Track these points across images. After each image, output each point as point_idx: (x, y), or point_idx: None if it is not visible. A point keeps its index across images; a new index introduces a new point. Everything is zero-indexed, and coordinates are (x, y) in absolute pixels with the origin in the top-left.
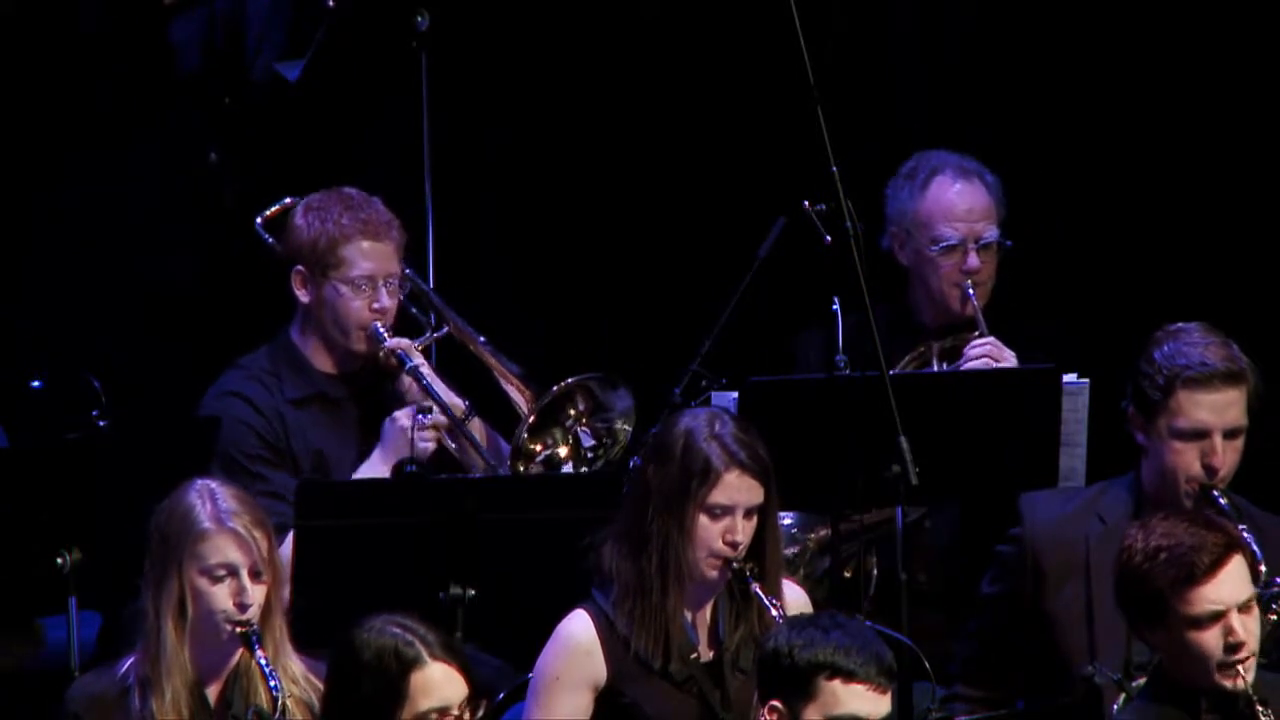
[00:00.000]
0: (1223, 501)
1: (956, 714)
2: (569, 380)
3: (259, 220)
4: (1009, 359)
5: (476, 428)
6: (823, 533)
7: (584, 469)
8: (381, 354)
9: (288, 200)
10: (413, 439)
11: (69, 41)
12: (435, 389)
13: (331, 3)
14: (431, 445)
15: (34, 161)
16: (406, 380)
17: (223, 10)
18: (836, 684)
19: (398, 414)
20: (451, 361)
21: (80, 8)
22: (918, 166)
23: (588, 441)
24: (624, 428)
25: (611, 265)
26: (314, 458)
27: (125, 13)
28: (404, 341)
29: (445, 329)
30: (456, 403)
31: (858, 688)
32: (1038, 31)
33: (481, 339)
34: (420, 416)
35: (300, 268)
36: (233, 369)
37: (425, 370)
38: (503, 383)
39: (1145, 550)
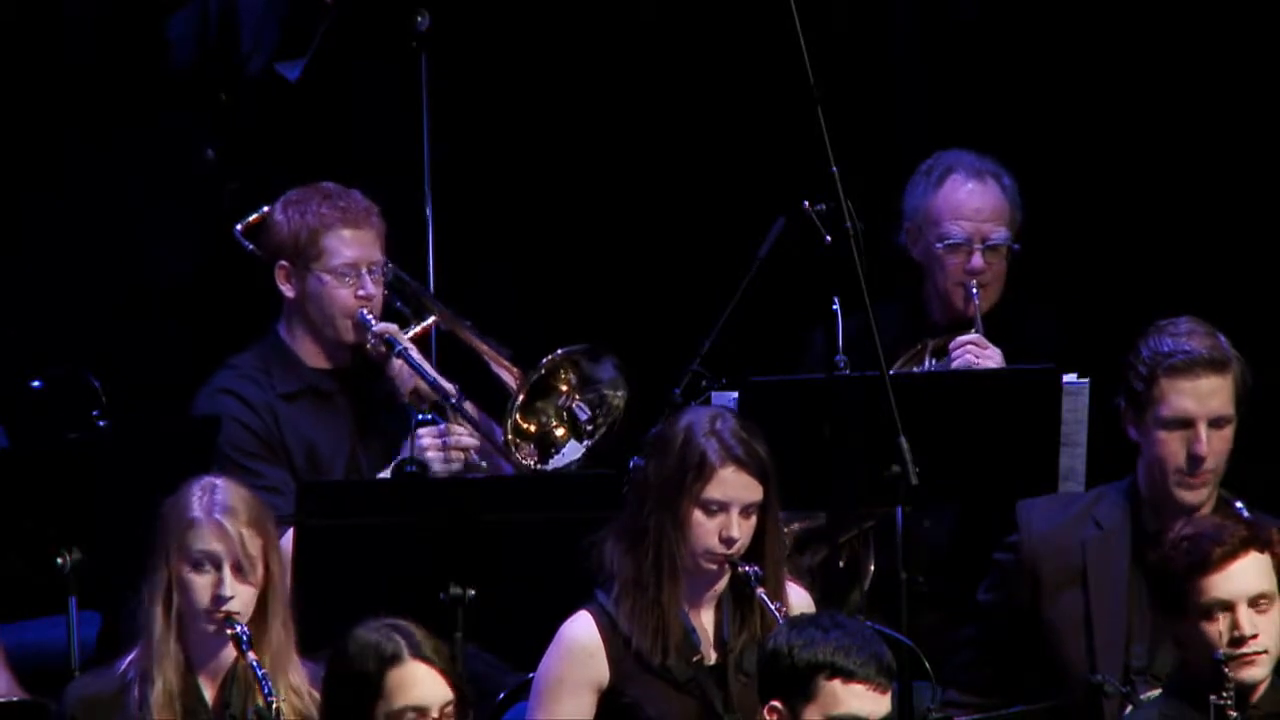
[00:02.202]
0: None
1: (955, 716)
2: (557, 353)
3: (238, 228)
4: (992, 355)
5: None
6: (795, 526)
7: (587, 441)
8: (370, 340)
9: (265, 209)
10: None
11: (67, 40)
12: (425, 370)
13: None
14: (458, 466)
15: (33, 161)
16: (396, 364)
17: (217, 6)
18: (836, 684)
19: (421, 433)
20: (440, 353)
21: (78, 6)
22: (935, 164)
23: (583, 415)
24: (616, 395)
25: (611, 265)
26: (306, 451)
27: (122, 10)
28: (391, 326)
29: (431, 318)
30: (447, 386)
31: (857, 687)
32: (1038, 32)
33: (467, 323)
34: (438, 424)
35: (283, 263)
36: (223, 368)
37: (414, 353)
38: (492, 365)
39: (1175, 539)
